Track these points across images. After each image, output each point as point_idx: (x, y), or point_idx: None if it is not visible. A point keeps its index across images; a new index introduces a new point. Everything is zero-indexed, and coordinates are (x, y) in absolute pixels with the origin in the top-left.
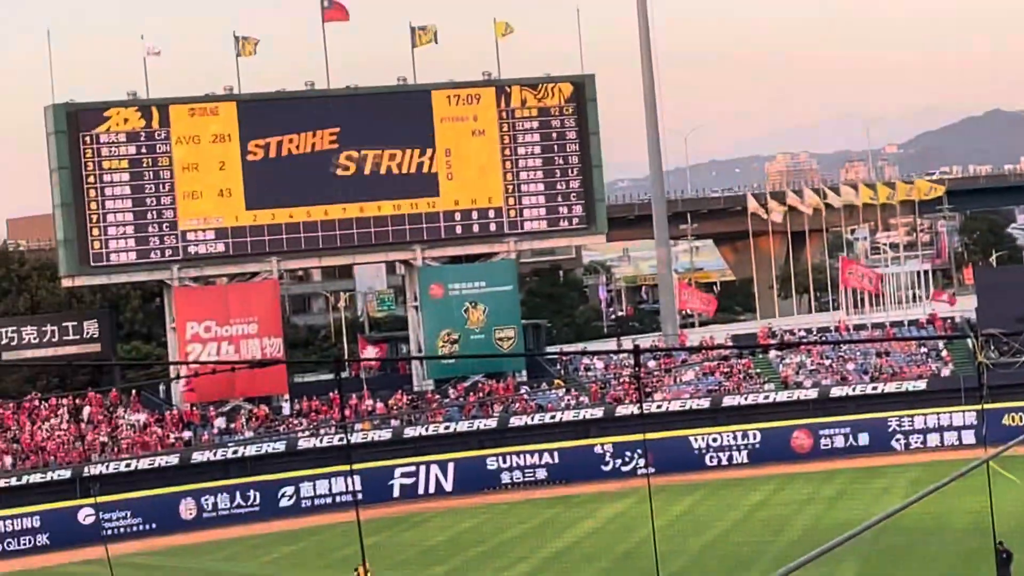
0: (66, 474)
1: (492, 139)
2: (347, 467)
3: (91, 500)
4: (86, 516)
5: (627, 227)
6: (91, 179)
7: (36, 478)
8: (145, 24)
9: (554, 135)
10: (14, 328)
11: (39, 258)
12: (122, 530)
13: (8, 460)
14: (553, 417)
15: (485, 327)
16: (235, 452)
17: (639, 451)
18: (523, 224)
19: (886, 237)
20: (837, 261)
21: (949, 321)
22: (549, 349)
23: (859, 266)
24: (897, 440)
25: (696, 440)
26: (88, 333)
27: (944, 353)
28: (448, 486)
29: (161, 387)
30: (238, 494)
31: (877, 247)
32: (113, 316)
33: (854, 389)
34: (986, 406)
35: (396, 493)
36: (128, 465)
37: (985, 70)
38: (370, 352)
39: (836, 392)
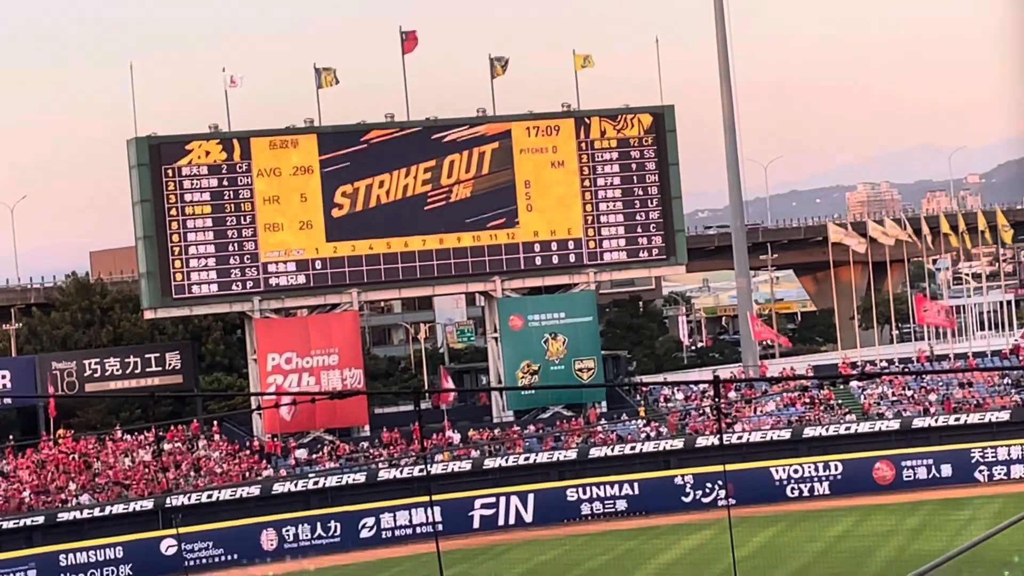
0: (148, 505)
1: (571, 170)
2: (427, 498)
3: (173, 531)
4: (168, 547)
5: (707, 257)
6: (173, 212)
7: (118, 509)
8: (225, 56)
9: (633, 166)
10: (97, 360)
11: (121, 290)
12: (204, 560)
13: (85, 498)
14: (633, 448)
15: (565, 358)
16: (316, 483)
17: (719, 482)
18: (602, 255)
19: (968, 267)
20: (919, 291)
21: None
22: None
23: (933, 303)
24: (980, 471)
25: (777, 471)
26: (170, 365)
27: None
28: (528, 517)
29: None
30: (319, 525)
31: (959, 277)
32: (195, 348)
33: (936, 420)
34: None
35: (476, 524)
36: (210, 496)
37: None
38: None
39: (918, 423)
